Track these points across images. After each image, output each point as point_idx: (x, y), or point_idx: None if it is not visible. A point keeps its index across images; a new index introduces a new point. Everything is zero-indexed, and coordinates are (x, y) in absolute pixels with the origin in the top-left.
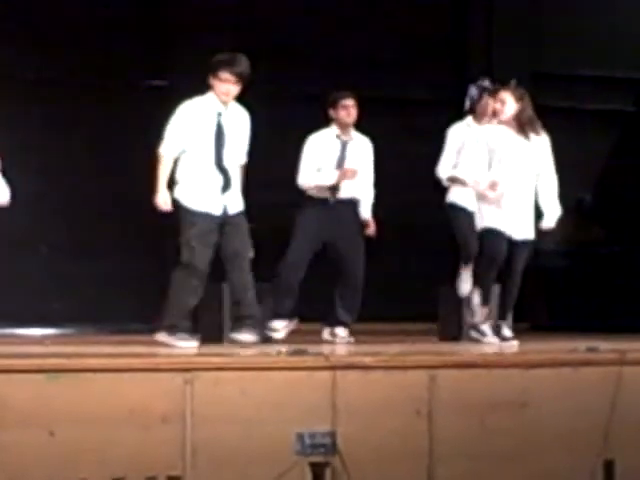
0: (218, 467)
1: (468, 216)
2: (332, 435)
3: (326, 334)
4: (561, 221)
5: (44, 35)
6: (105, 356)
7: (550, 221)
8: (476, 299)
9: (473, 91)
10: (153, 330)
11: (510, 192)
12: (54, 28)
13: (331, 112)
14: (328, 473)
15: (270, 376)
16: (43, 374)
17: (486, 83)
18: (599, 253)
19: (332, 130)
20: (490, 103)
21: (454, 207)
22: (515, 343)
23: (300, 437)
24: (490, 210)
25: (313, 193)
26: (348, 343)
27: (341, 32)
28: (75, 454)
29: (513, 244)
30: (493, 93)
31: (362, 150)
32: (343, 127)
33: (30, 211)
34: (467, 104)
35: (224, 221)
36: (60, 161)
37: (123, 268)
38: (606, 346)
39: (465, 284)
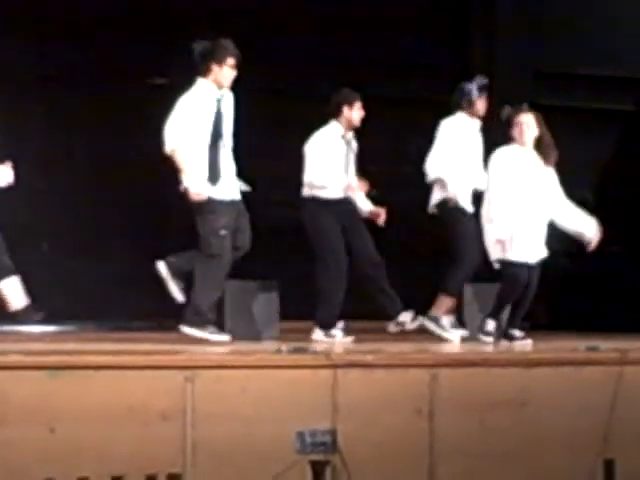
0: (218, 465)
1: (469, 220)
2: (332, 433)
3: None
4: None
5: (44, 33)
6: (106, 353)
7: (596, 232)
8: (490, 325)
9: (469, 88)
10: (176, 324)
11: (531, 216)
12: (55, 26)
13: (346, 110)
14: (328, 471)
15: (271, 374)
16: (44, 371)
17: (484, 82)
18: (600, 252)
19: (337, 129)
20: (482, 102)
21: (455, 209)
22: (529, 342)
23: (300, 435)
24: (516, 242)
25: (320, 193)
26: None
27: (342, 31)
28: (76, 451)
29: (530, 267)
30: (513, 115)
31: (355, 149)
32: (350, 127)
33: (31, 208)
34: (462, 100)
35: (239, 208)
36: (60, 159)
37: (124, 265)
38: (606, 345)
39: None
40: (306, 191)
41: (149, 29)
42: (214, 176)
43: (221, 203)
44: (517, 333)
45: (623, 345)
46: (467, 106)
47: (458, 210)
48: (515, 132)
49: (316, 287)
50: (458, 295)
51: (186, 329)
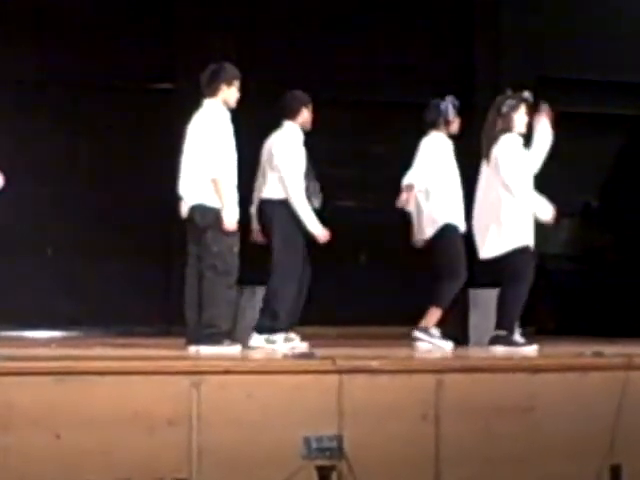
0: (224, 470)
1: (460, 237)
2: (339, 439)
3: None
4: (567, 225)
5: (50, 37)
6: (112, 359)
7: (551, 216)
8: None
9: (446, 106)
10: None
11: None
12: (60, 30)
13: (305, 112)
14: (334, 477)
15: (277, 380)
16: (50, 377)
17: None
18: (605, 257)
19: (299, 133)
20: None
21: (450, 227)
22: (534, 347)
23: (307, 441)
24: (523, 227)
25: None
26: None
27: (346, 35)
28: (81, 457)
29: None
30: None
31: None
32: (305, 129)
33: (35, 213)
34: (438, 119)
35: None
36: (65, 164)
37: (129, 271)
38: (612, 351)
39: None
40: (279, 194)
41: (155, 34)
42: (232, 194)
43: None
44: (520, 339)
45: (629, 350)
46: (444, 125)
47: (454, 228)
48: (523, 121)
49: (270, 290)
50: (447, 308)
51: (202, 347)
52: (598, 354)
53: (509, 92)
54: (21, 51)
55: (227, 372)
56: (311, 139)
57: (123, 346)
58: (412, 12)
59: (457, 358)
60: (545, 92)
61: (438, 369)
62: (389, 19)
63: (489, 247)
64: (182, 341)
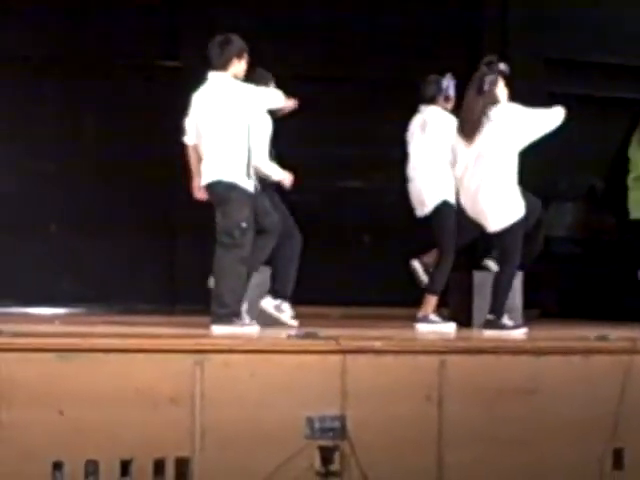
0: (227, 449)
1: (455, 214)
2: (341, 419)
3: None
4: (572, 208)
5: (55, 15)
6: (115, 336)
7: None
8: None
9: (447, 84)
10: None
11: None
12: (65, 8)
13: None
14: (337, 457)
15: (280, 359)
16: (53, 353)
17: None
18: (610, 240)
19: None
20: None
21: (448, 204)
22: (523, 330)
23: (310, 421)
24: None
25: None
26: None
27: (352, 16)
28: (84, 434)
29: None
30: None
31: None
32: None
33: (39, 191)
34: (438, 94)
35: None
36: (69, 141)
37: (132, 248)
38: (616, 334)
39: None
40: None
41: (160, 12)
42: (244, 168)
43: (250, 196)
44: (508, 322)
45: (633, 334)
46: (443, 101)
47: (450, 206)
48: (504, 93)
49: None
50: (443, 290)
51: (216, 327)
52: (602, 338)
53: (484, 68)
54: (24, 28)
55: (230, 351)
56: (314, 119)
57: (126, 324)
58: None
59: (461, 340)
60: (553, 73)
61: (442, 350)
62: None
63: (496, 221)
64: (185, 319)
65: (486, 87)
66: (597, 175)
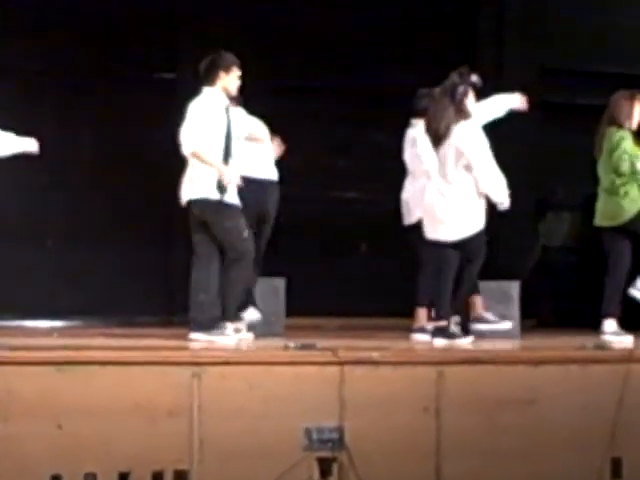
0: (225, 461)
1: None
2: (340, 430)
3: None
4: (570, 217)
5: (53, 28)
6: (113, 349)
7: None
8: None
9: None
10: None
11: None
12: (63, 21)
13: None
14: (335, 468)
15: (278, 371)
16: (51, 366)
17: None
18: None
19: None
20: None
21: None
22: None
23: (308, 432)
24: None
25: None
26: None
27: (350, 26)
28: (82, 447)
29: None
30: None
31: None
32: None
33: (37, 204)
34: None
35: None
36: (67, 154)
37: (130, 261)
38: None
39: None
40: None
41: (156, 24)
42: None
43: (238, 208)
44: (456, 330)
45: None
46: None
47: None
48: (473, 105)
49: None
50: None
51: (195, 335)
52: (600, 347)
53: (456, 77)
54: (23, 40)
55: (228, 363)
56: (311, 129)
57: (124, 336)
58: (414, 2)
59: (458, 350)
60: (548, 82)
61: (439, 361)
62: (391, 8)
63: (454, 231)
64: (183, 331)
65: (457, 97)
66: (594, 185)
